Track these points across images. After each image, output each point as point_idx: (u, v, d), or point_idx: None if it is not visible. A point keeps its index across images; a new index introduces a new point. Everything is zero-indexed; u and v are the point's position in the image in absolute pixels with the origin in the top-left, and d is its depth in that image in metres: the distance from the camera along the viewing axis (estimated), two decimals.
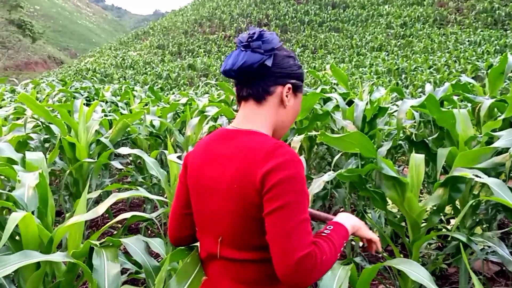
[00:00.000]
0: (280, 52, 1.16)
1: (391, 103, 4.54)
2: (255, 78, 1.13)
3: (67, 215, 2.32)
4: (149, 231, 3.61)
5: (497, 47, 23.97)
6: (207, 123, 3.19)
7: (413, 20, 33.75)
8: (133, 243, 1.54)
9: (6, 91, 8.16)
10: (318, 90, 3.71)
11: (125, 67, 31.95)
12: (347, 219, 1.20)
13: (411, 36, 30.66)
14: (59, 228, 1.60)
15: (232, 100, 4.83)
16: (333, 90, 4.57)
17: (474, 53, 23.46)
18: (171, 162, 2.66)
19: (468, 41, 26.94)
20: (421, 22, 33.22)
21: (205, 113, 3.49)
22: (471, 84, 3.87)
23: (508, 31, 27.57)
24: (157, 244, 2.00)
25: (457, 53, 24.02)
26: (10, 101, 6.58)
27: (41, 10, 79.08)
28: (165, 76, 28.02)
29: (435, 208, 2.13)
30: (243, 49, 1.13)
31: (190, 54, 35.56)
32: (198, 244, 1.27)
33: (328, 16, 37.94)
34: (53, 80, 10.99)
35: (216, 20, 40.92)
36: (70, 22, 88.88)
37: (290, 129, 3.44)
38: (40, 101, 6.08)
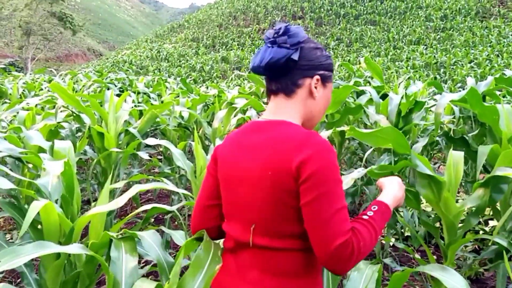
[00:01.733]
0: (307, 44, 1.17)
1: (429, 97, 4.34)
2: (284, 72, 1.16)
3: (93, 204, 2.33)
4: (175, 223, 3.60)
5: None
6: (235, 115, 3.13)
7: (454, 12, 32.51)
8: (149, 237, 1.50)
9: (44, 81, 8.40)
10: (351, 83, 3.58)
11: (160, 60, 32.43)
12: (391, 192, 1.23)
13: (452, 29, 29.55)
14: (81, 218, 1.58)
15: (262, 92, 4.76)
16: (367, 83, 4.41)
17: None
18: (198, 154, 2.62)
19: None
20: (462, 14, 31.96)
21: (233, 105, 3.43)
22: None
23: None
24: (179, 236, 1.97)
25: (499, 47, 22.97)
26: (48, 91, 6.76)
27: (81, 3, 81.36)
28: (199, 68, 28.26)
29: (474, 209, 1.99)
30: (269, 45, 1.15)
31: (224, 47, 35.69)
32: (218, 240, 1.28)
33: (365, 8, 37.08)
34: (90, 71, 11.24)
35: (250, 13, 40.83)
36: (109, 15, 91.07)
37: (321, 122, 3.33)
38: (76, 91, 6.21)
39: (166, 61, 32.05)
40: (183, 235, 2.00)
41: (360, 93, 3.51)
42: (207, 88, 6.13)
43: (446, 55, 23.09)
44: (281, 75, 1.16)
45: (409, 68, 20.85)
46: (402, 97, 2.86)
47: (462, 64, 20.30)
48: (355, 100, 3.46)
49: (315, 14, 37.44)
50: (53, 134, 3.16)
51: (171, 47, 37.01)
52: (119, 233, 1.48)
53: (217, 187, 1.24)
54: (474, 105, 2.48)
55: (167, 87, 6.85)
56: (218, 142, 2.97)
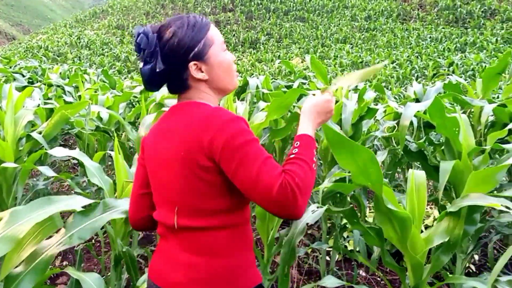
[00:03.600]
0: (162, 43, 1.14)
1: (374, 103, 4.16)
2: (163, 81, 1.18)
3: None
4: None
5: (458, 44, 24.45)
6: None
7: (377, 13, 33.94)
8: None
9: None
10: (296, 85, 3.25)
11: (81, 47, 30.23)
12: (309, 120, 1.20)
13: (375, 30, 30.82)
14: None
15: None
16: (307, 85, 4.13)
17: (435, 49, 23.81)
18: (118, 167, 2.13)
19: (430, 37, 27.36)
20: (385, 16, 33.47)
21: (164, 107, 2.96)
22: (461, 84, 3.54)
23: (468, 29, 28.21)
24: (92, 282, 1.51)
25: (419, 49, 24.30)
26: None
27: None
28: (124, 58, 26.72)
29: (442, 246, 1.70)
30: (141, 66, 1.17)
31: None
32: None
33: (294, 5, 37.51)
34: None
35: (179, 3, 39.55)
36: None
37: (263, 129, 2.97)
38: None
39: (88, 48, 29.92)
40: (98, 279, 1.54)
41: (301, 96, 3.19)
42: (132, 81, 5.47)
43: (371, 54, 23.97)
44: (164, 83, 1.19)
45: (336, 66, 21.32)
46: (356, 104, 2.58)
47: (385, 64, 21.14)
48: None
49: (246, 8, 37.18)
50: None
51: (93, 34, 34.71)
52: None
53: (147, 176, 1.26)
54: (434, 116, 2.25)
55: (85, 79, 6.09)
56: None
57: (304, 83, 3.78)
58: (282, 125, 2.88)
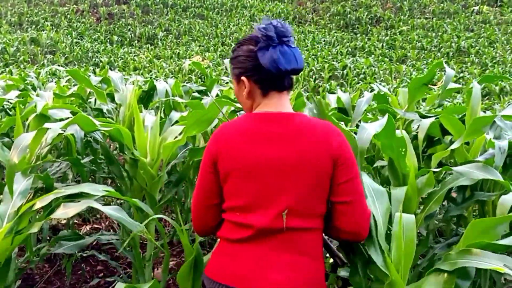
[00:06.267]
0: None
1: None
2: None
3: None
4: None
5: (349, 48, 25.97)
6: (49, 139, 2.01)
7: (274, 15, 34.70)
8: None
9: None
10: (214, 93, 2.78)
11: None
12: None
13: None
14: None
15: (89, 95, 3.62)
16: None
17: (329, 52, 24.98)
18: None
19: (324, 41, 28.70)
20: (282, 18, 34.36)
21: (47, 119, 2.29)
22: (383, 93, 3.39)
23: (358, 35, 30.13)
24: None
25: (315, 51, 25.28)
26: None
27: None
28: (0, 50, 23.62)
29: None
30: (292, 45, 1.29)
31: (34, 26, 30.86)
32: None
33: (193, 1, 36.73)
34: None
35: None
36: None
37: (180, 146, 2.46)
38: None
39: None
40: None
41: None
42: (6, 80, 4.46)
43: None
44: None
45: None
46: None
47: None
48: None
49: (142, 1, 35.47)
50: None
51: None
52: None
53: (217, 187, 1.27)
54: (382, 136, 1.97)
55: None
56: (21, 185, 1.84)
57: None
58: (202, 143, 2.41)
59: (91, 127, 2.02)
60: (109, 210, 1.56)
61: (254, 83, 1.30)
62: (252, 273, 1.19)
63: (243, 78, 1.31)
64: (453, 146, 2.16)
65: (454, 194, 2.38)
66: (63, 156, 2.69)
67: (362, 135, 1.74)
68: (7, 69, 14.60)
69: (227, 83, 4.07)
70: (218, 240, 1.34)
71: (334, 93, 3.87)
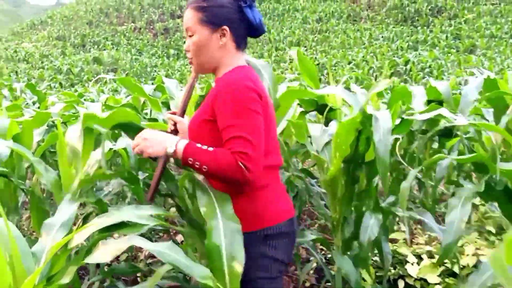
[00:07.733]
0: None
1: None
2: None
3: None
4: None
5: (410, 43, 24.61)
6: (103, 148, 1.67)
7: (328, 15, 33.92)
8: None
9: None
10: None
11: (17, 60, 28.00)
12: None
13: (328, 32, 30.69)
14: None
15: (144, 105, 3.34)
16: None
17: (389, 49, 23.82)
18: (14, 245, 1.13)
19: (382, 37, 27.49)
20: (335, 17, 33.50)
21: (91, 131, 1.95)
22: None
23: (418, 27, 28.61)
24: None
25: (373, 49, 24.23)
26: None
27: None
28: (66, 70, 24.87)
29: None
30: (255, 7, 1.30)
31: (96, 46, 32.38)
32: None
33: None
34: None
35: (124, 10, 37.89)
36: None
37: None
38: None
39: (26, 62, 27.75)
40: None
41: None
42: (59, 96, 4.32)
43: (326, 56, 23.62)
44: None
45: (293, 69, 20.74)
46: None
47: (342, 65, 20.79)
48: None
49: None
50: None
51: (31, 46, 32.39)
52: None
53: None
54: None
55: (4, 96, 4.89)
56: (63, 214, 1.49)
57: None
58: None
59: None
60: (160, 248, 1.14)
61: (232, 37, 1.28)
62: (290, 202, 1.37)
63: (225, 27, 1.25)
64: None
65: None
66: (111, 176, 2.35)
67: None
68: (73, 89, 15.14)
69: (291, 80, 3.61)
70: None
71: None
